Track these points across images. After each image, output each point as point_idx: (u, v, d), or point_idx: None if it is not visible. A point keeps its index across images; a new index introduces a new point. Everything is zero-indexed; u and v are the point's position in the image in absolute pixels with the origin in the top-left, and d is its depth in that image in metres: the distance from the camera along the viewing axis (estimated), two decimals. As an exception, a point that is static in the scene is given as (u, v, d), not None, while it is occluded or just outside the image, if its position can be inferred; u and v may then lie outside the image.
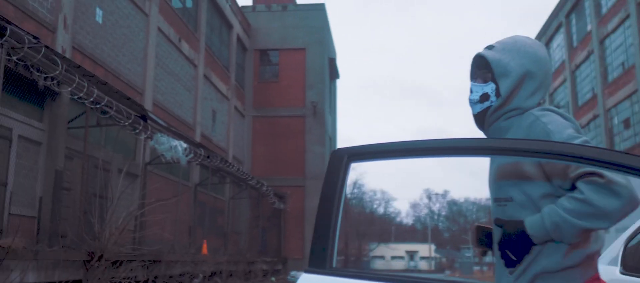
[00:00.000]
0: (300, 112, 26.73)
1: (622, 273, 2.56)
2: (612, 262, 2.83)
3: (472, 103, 1.91)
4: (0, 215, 10.72)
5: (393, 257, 69.33)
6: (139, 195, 13.70)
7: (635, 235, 2.79)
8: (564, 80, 35.11)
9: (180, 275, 12.96)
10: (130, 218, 11.17)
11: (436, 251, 72.72)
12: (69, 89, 9.04)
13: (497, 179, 1.84)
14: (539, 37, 39.63)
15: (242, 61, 27.23)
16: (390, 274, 1.71)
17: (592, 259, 1.75)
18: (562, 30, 35.16)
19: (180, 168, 15.85)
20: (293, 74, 27.15)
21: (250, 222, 22.43)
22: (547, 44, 38.43)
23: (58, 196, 12.12)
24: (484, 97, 1.88)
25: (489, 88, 1.87)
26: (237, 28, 25.90)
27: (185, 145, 12.90)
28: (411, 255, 73.44)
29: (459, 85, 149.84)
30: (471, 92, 1.91)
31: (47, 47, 9.02)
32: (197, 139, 19.74)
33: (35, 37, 8.24)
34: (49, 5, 12.52)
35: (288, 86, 27.07)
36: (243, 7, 27.58)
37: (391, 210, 78.66)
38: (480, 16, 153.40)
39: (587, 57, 31.36)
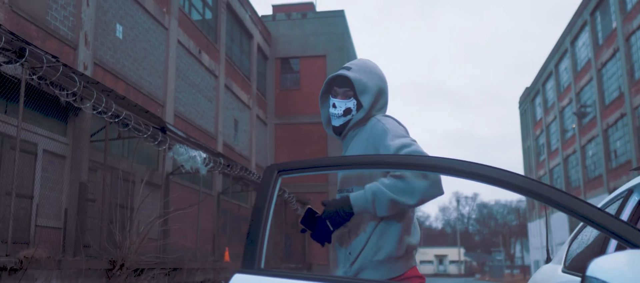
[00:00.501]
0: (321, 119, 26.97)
1: (563, 271, 2.68)
2: (557, 261, 2.95)
3: (336, 117, 2.17)
4: (27, 227, 11.16)
5: (422, 261, 68.90)
6: (161, 204, 14.09)
7: (576, 237, 2.91)
8: (590, 79, 34.59)
9: (201, 282, 13.25)
10: (150, 226, 11.49)
11: (466, 255, 72.01)
12: (88, 103, 9.39)
13: (344, 176, 2.15)
14: (564, 35, 39.14)
15: (263, 70, 27.60)
16: (312, 274, 1.90)
17: (412, 252, 2.04)
18: (587, 28, 34.66)
19: (201, 178, 16.19)
20: (314, 81, 27.41)
21: (274, 228, 22.68)
22: (572, 42, 37.92)
23: (83, 207, 12.54)
24: (347, 111, 2.16)
25: (351, 103, 2.15)
26: (258, 37, 26.28)
27: (204, 155, 13.20)
28: (440, 259, 72.82)
29: (484, 87, 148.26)
30: (334, 106, 2.16)
31: (65, 65, 9.40)
32: (219, 148, 20.09)
33: (53, 56, 8.60)
34: (70, 24, 12.97)
35: (309, 93, 27.34)
36: (263, 16, 27.98)
37: (420, 214, 78.18)
38: (505, 17, 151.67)
39: (613, 55, 30.86)
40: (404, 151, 1.95)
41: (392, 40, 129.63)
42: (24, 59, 7.53)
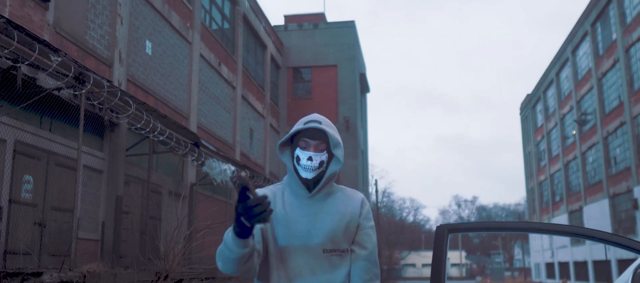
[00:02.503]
0: (333, 128, 27.53)
1: None
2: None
3: (310, 169, 2.15)
4: (69, 239, 11.65)
5: (424, 265, 69.59)
6: (189, 215, 14.60)
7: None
8: (591, 88, 35.29)
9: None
10: (187, 239, 12.00)
11: (467, 258, 72.69)
12: (138, 125, 9.90)
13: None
14: (566, 44, 39.83)
15: (276, 79, 28.15)
16: None
17: None
18: (588, 38, 35.37)
19: (223, 188, 16.70)
20: (325, 90, 27.98)
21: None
22: (573, 51, 38.63)
23: (118, 219, 13.06)
24: (321, 163, 2.16)
25: (324, 157, 2.17)
26: (271, 48, 26.80)
27: (233, 168, 13.73)
28: (442, 262, 73.41)
29: (474, 92, 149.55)
30: (310, 160, 2.14)
31: (122, 91, 9.90)
32: (237, 157, 20.61)
33: (108, 80, 9.11)
34: (105, 43, 13.47)
35: (321, 102, 27.89)
36: (275, 26, 28.51)
37: (420, 217, 78.85)
38: (496, 24, 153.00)
39: (613, 65, 31.58)
40: (374, 234, 2.26)
41: (382, 45, 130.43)
42: (86, 89, 8.02)
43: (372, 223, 2.29)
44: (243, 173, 1.79)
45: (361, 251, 2.20)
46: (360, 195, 2.30)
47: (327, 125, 2.22)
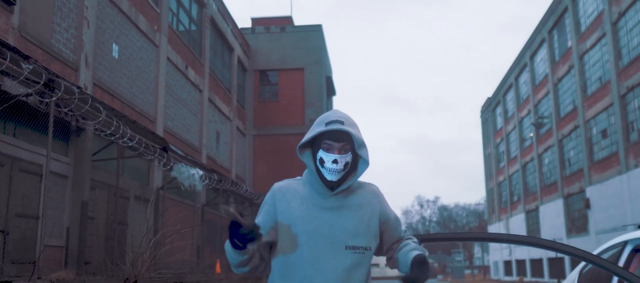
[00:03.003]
0: (299, 130, 27.69)
1: None
2: None
3: (336, 172, 2.10)
4: (33, 246, 11.50)
5: (387, 264, 70.27)
6: (154, 219, 14.55)
7: (587, 266, 3.80)
8: (547, 93, 36.45)
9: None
10: (154, 244, 11.99)
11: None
12: (108, 131, 9.87)
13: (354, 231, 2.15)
14: (524, 50, 40.96)
15: (242, 82, 28.13)
16: None
17: None
18: (545, 45, 36.52)
19: (190, 192, 16.68)
20: (292, 93, 28.12)
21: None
22: (532, 57, 39.78)
23: (83, 225, 12.93)
24: (346, 165, 2.12)
25: (349, 157, 2.12)
26: (238, 50, 26.79)
27: (201, 172, 13.76)
28: (403, 261, 74.46)
29: (434, 94, 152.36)
30: (336, 162, 2.10)
31: (93, 98, 9.85)
32: (203, 160, 20.58)
33: (78, 87, 9.07)
34: (72, 46, 13.32)
35: (287, 105, 28.01)
36: (242, 29, 28.49)
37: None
38: (457, 28, 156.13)
39: (568, 71, 32.72)
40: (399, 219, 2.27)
41: (344, 47, 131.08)
42: (57, 96, 8.00)
43: (394, 212, 2.28)
44: (231, 210, 1.94)
45: (400, 240, 2.25)
46: (374, 188, 2.27)
47: (350, 125, 2.15)
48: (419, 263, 2.04)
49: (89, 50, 13.75)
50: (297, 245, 2.11)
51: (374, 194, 2.23)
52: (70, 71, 13.15)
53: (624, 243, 3.38)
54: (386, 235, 2.25)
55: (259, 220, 2.18)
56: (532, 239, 2.50)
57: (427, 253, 2.14)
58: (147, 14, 16.91)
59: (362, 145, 2.14)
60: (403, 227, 2.31)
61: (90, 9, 13.71)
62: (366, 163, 2.16)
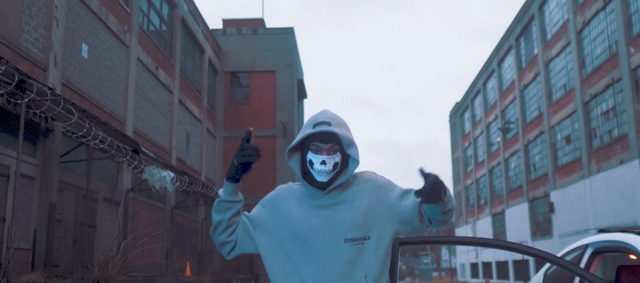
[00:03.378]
0: (270, 133, 27.70)
1: None
2: None
3: (325, 173, 2.12)
4: (0, 250, 11.29)
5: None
6: (122, 222, 14.42)
7: (551, 267, 4.00)
8: (514, 99, 37.21)
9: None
10: (125, 247, 11.89)
11: (401, 260, 74.57)
12: (79, 133, 9.78)
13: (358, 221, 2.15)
14: (492, 57, 41.74)
15: (213, 84, 28.01)
16: None
17: None
18: (513, 52, 37.30)
19: (161, 195, 16.57)
20: (263, 95, 28.11)
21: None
22: (499, 63, 40.57)
23: (51, 227, 12.73)
24: (335, 165, 2.14)
25: (338, 158, 2.14)
26: (209, 52, 26.68)
27: (172, 174, 13.71)
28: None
29: (401, 97, 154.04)
30: (324, 163, 2.12)
31: (65, 100, 9.74)
32: (173, 162, 20.45)
33: (50, 88, 8.98)
34: (40, 46, 13.13)
35: (258, 107, 27.99)
36: (213, 30, 28.38)
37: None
38: (424, 32, 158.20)
39: (534, 78, 33.50)
40: (404, 189, 2.22)
41: (311, 49, 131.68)
42: (29, 98, 7.91)
43: (400, 187, 2.24)
44: (252, 128, 2.11)
45: (415, 206, 2.17)
46: (369, 175, 2.27)
47: (338, 125, 2.16)
48: (432, 180, 1.98)
49: (58, 50, 13.57)
50: (296, 246, 2.15)
51: (370, 181, 2.23)
52: (39, 71, 12.95)
53: (585, 246, 3.56)
54: (406, 214, 2.20)
55: (258, 209, 2.26)
56: (501, 242, 2.63)
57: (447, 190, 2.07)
58: (118, 14, 16.76)
59: (351, 144, 2.16)
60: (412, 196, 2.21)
61: (60, 8, 13.54)
62: (356, 162, 2.17)
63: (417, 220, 2.20)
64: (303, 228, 2.15)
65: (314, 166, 2.13)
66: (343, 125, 2.19)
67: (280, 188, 2.29)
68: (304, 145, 2.19)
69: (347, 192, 2.19)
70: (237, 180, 2.15)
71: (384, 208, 2.19)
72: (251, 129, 2.11)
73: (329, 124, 2.14)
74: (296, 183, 2.30)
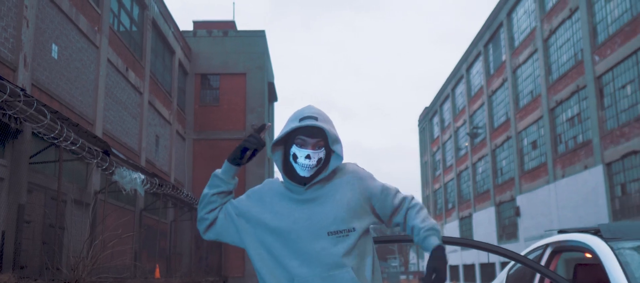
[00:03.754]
0: (240, 135, 27.68)
1: None
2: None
3: (309, 168, 2.13)
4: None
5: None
6: (92, 223, 14.31)
7: (513, 267, 4.25)
8: (482, 104, 37.92)
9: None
10: (96, 249, 11.83)
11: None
12: (51, 135, 9.72)
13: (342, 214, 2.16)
14: (461, 63, 42.45)
15: (183, 85, 27.88)
16: None
17: None
18: (481, 58, 38.02)
19: (130, 196, 16.46)
20: (234, 98, 28.09)
21: (193, 243, 23.11)
22: (468, 69, 41.29)
23: (20, 229, 12.57)
24: (319, 161, 2.15)
25: (322, 153, 2.16)
26: (179, 53, 26.57)
27: (142, 176, 13.68)
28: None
29: (369, 101, 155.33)
30: (309, 157, 2.12)
31: (38, 101, 9.67)
32: (142, 164, 20.32)
33: (22, 89, 8.93)
34: (10, 46, 12.98)
35: (229, 110, 27.97)
36: (184, 31, 28.27)
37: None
38: (393, 36, 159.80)
39: (501, 84, 34.20)
40: (396, 191, 2.27)
41: (279, 52, 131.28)
42: (2, 99, 7.87)
43: (381, 185, 2.26)
44: (269, 124, 2.26)
45: (399, 208, 2.26)
46: (352, 167, 2.27)
47: (324, 121, 2.16)
48: (436, 258, 2.08)
49: (28, 51, 13.43)
50: (279, 240, 2.15)
51: (352, 173, 2.23)
52: (8, 71, 12.80)
53: (546, 246, 3.78)
54: (379, 209, 2.26)
55: (242, 197, 2.31)
56: (472, 242, 2.79)
57: (439, 232, 2.19)
58: (88, 15, 16.63)
59: (336, 140, 2.17)
60: (400, 195, 2.29)
61: (30, 8, 13.41)
62: (340, 158, 2.18)
63: (389, 225, 2.35)
64: (286, 223, 2.16)
65: (297, 160, 2.13)
66: (329, 121, 2.21)
67: (267, 181, 2.31)
68: (288, 140, 2.19)
69: (329, 185, 2.19)
70: (237, 165, 2.25)
71: (365, 201, 2.21)
72: (268, 124, 2.25)
73: (315, 118, 2.14)
74: (277, 179, 2.32)
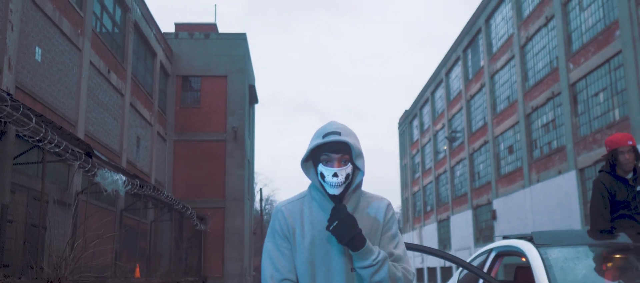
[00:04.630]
0: (221, 137, 27.96)
1: None
2: None
3: (337, 186, 2.13)
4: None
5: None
6: (73, 223, 14.54)
7: (462, 271, 4.70)
8: (460, 108, 38.56)
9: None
10: (78, 248, 12.08)
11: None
12: (36, 137, 9.98)
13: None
14: (441, 67, 43.10)
15: (164, 87, 28.09)
16: None
17: None
18: (460, 63, 38.65)
19: (111, 197, 16.69)
20: (214, 100, 28.36)
21: (173, 243, 23.33)
22: (447, 74, 41.94)
23: (3, 229, 12.77)
24: (347, 177, 2.15)
25: (349, 169, 2.15)
26: (161, 55, 26.77)
27: (124, 178, 13.95)
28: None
29: (346, 103, 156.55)
30: (336, 175, 2.12)
31: (24, 105, 9.91)
32: (123, 165, 20.53)
33: (9, 93, 9.18)
34: (-6, 48, 13.18)
35: (209, 112, 28.23)
36: (165, 33, 28.47)
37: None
38: (370, 39, 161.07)
39: (479, 89, 34.85)
40: (399, 240, 2.23)
41: (256, 54, 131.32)
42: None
43: (395, 230, 2.25)
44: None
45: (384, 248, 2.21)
46: (385, 202, 2.28)
47: (348, 135, 2.16)
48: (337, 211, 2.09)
49: (12, 54, 13.63)
50: (314, 269, 2.18)
51: (381, 208, 2.25)
52: (-8, 73, 13.00)
53: (490, 250, 4.22)
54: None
55: (280, 249, 2.23)
56: (417, 246, 3.19)
57: (385, 271, 2.11)
58: (71, 18, 16.84)
59: (360, 154, 2.17)
60: (399, 250, 2.24)
61: (15, 12, 13.61)
62: (362, 174, 2.19)
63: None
64: (319, 253, 2.19)
65: (325, 179, 2.13)
66: (352, 134, 2.20)
67: (286, 209, 2.27)
68: (315, 157, 2.20)
69: (359, 208, 2.22)
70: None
71: (376, 238, 2.23)
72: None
73: (338, 133, 2.14)
74: (299, 197, 2.30)
